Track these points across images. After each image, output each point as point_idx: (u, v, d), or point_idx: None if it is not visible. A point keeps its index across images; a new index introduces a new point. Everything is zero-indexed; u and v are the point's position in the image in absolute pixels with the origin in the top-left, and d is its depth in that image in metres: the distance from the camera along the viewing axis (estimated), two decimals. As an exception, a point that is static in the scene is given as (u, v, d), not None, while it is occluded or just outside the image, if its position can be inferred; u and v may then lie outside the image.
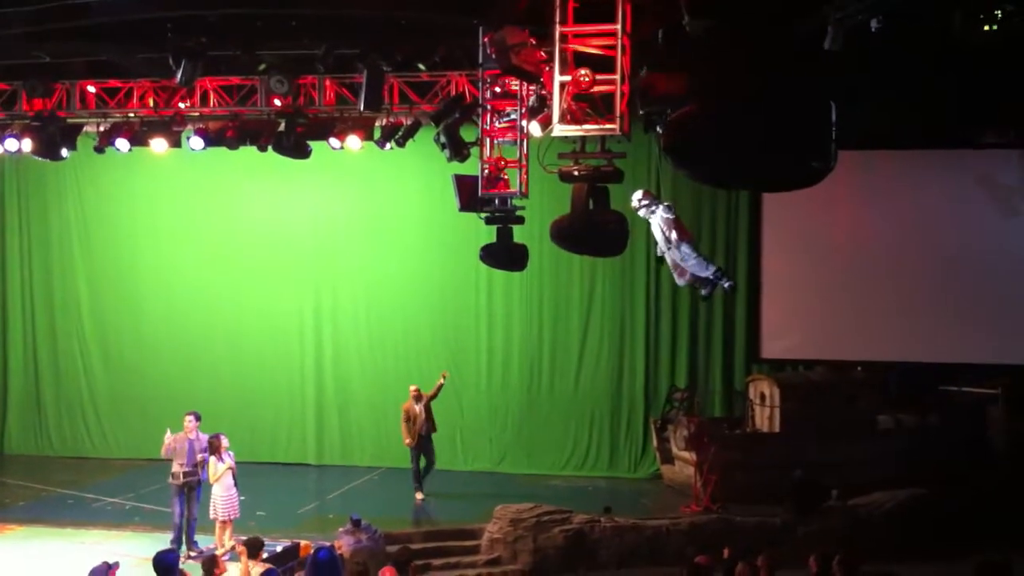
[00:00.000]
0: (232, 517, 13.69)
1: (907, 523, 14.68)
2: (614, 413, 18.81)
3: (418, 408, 16.57)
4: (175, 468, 13.84)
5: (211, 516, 13.72)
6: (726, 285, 13.60)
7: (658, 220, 13.43)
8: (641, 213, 13.58)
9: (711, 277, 13.40)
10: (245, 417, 18.97)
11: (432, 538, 14.42)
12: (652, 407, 18.60)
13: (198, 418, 14.15)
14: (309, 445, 19.51)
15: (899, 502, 15.01)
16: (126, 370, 20.24)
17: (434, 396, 16.78)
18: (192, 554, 13.52)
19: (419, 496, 16.70)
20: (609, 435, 18.78)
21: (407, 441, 16.61)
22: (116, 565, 9.04)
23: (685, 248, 13.31)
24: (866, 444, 16.14)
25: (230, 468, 13.65)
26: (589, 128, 9.44)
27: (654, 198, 13.70)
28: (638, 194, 13.71)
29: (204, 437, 13.94)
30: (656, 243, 13.76)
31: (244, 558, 10.65)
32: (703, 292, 14.01)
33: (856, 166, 16.85)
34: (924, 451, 16.12)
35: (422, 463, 16.81)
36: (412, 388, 16.78)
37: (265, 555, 11.04)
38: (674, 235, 13.30)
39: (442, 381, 16.87)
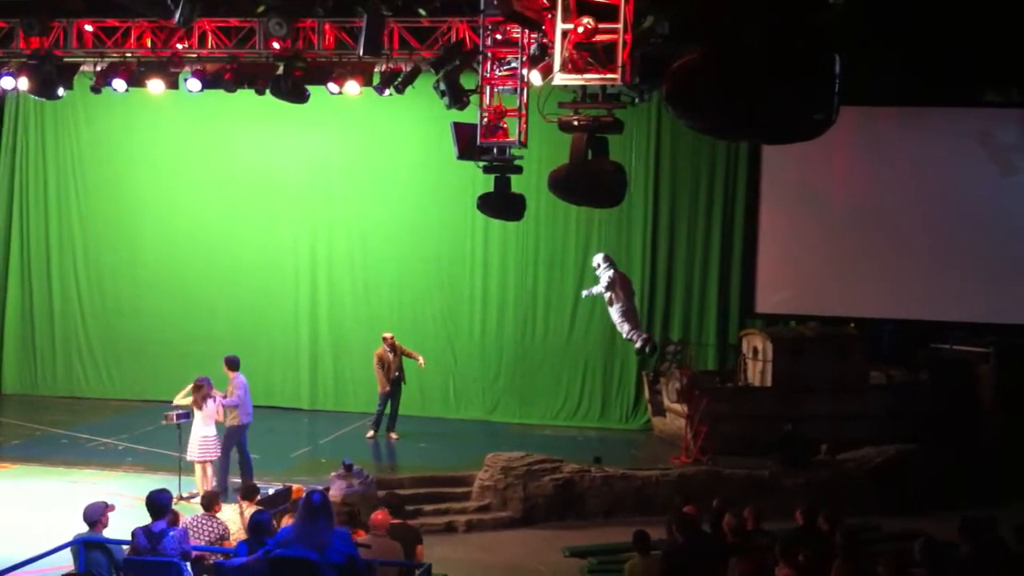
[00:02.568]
0: (202, 459, 13.75)
1: (895, 479, 14.82)
2: (607, 364, 18.89)
3: (391, 356, 16.79)
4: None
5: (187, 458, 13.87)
6: (636, 345, 14.87)
7: (605, 280, 14.79)
8: (599, 273, 14.90)
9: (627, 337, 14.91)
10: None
11: (423, 484, 14.55)
12: (645, 359, 18.66)
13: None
14: (303, 390, 19.59)
15: (887, 458, 15.15)
16: (122, 311, 20.27)
17: (405, 354, 17.04)
18: (184, 495, 13.61)
19: (371, 434, 17.06)
20: (601, 386, 18.87)
21: (385, 388, 16.81)
22: (111, 507, 9.10)
23: (612, 310, 14.74)
24: (857, 400, 16.24)
25: (193, 410, 13.73)
26: (590, 77, 9.39)
27: (612, 263, 14.97)
28: (598, 257, 15.05)
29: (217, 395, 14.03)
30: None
31: (239, 500, 10.80)
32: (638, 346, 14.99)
33: (856, 122, 16.83)
34: (914, 408, 16.23)
35: (387, 409, 17.10)
36: (388, 335, 16.92)
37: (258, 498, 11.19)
38: (607, 294, 14.78)
39: (419, 362, 17.12)
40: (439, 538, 13.00)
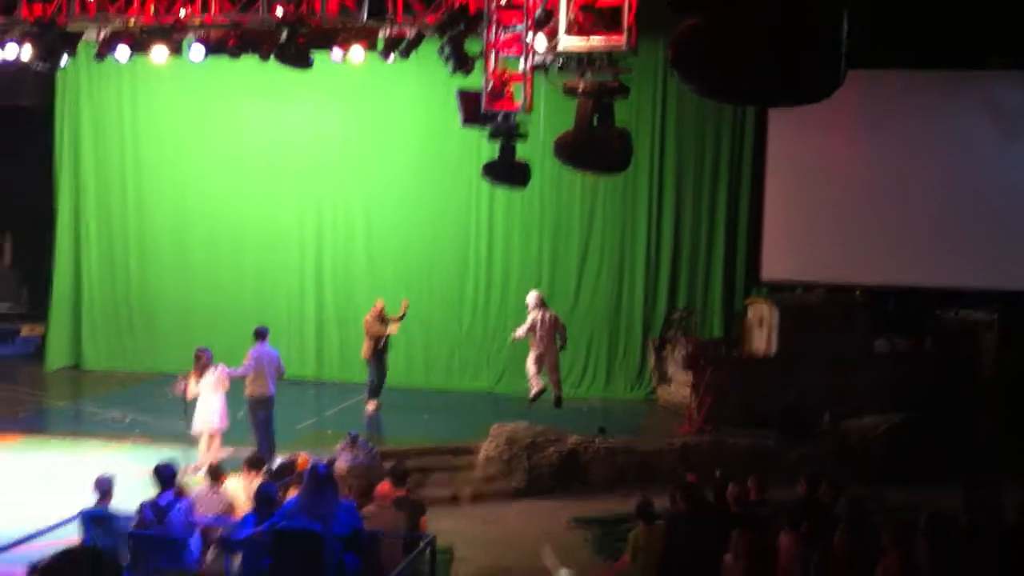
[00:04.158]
0: (204, 429, 13.72)
1: (899, 447, 14.79)
2: (612, 333, 18.82)
3: (380, 324, 16.64)
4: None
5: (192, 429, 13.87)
6: (530, 394, 15.01)
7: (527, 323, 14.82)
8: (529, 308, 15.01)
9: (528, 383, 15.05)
10: (245, 332, 18.97)
11: (428, 455, 14.55)
12: (650, 328, 18.63)
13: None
14: (308, 361, 19.49)
15: (892, 426, 15.11)
16: (129, 283, 20.18)
17: (397, 320, 16.74)
18: (190, 467, 13.60)
19: (373, 405, 16.86)
20: (606, 355, 18.82)
21: (368, 355, 16.65)
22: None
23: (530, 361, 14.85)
24: (861, 368, 16.19)
25: (193, 381, 13.72)
26: (595, 41, 9.30)
27: (541, 304, 14.97)
28: (531, 297, 15.09)
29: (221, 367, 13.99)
30: None
31: (245, 472, 10.81)
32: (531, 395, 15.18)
33: (861, 86, 16.63)
34: (918, 376, 16.18)
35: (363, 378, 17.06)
36: (381, 303, 16.74)
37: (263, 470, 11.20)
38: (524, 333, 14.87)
39: (401, 311, 16.79)
40: (443, 509, 12.96)
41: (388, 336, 16.66)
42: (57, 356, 20.09)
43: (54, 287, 20.25)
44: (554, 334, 14.83)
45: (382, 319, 16.65)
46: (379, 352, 16.68)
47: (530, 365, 14.89)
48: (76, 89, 19.92)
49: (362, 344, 16.82)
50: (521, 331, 15.07)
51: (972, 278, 17.45)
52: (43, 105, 20.21)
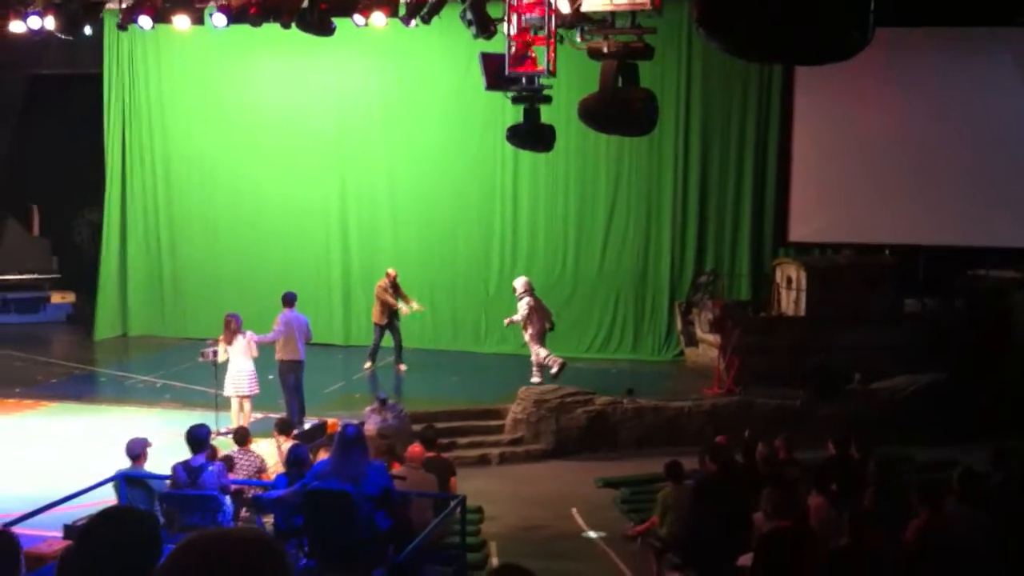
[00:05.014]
0: (237, 394, 13.80)
1: (928, 408, 14.73)
2: (639, 295, 18.81)
3: (391, 292, 16.87)
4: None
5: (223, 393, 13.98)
6: (553, 371, 15.29)
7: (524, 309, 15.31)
8: (517, 296, 15.53)
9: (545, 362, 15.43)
10: (272, 298, 19.08)
11: (456, 418, 14.63)
12: (677, 290, 18.59)
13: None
14: (336, 325, 19.64)
15: (921, 386, 15.05)
16: (161, 249, 20.35)
17: (400, 295, 16.98)
18: (221, 430, 13.74)
19: (368, 365, 17.26)
20: (633, 317, 18.82)
21: (383, 320, 16.89)
22: (149, 443, 9.25)
23: (526, 334, 15.37)
24: (891, 328, 16.10)
25: (222, 346, 13.78)
26: (619, 2, 9.23)
27: (529, 290, 15.55)
28: (518, 283, 15.65)
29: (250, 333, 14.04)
30: None
31: (276, 435, 10.93)
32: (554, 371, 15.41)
33: (888, 44, 16.43)
34: (948, 336, 16.07)
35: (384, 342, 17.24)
36: (393, 272, 16.96)
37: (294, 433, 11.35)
38: (523, 318, 15.35)
39: (413, 308, 17.09)
40: (473, 470, 13.09)
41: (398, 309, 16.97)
42: (106, 326, 20.28)
43: (102, 260, 20.42)
44: (543, 318, 15.06)
45: (395, 288, 16.78)
46: (391, 318, 16.90)
47: (538, 349, 15.03)
48: (119, 59, 20.03)
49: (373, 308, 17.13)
50: (519, 317, 15.18)
51: (1003, 237, 17.28)
52: (62, 76, 20.33)
